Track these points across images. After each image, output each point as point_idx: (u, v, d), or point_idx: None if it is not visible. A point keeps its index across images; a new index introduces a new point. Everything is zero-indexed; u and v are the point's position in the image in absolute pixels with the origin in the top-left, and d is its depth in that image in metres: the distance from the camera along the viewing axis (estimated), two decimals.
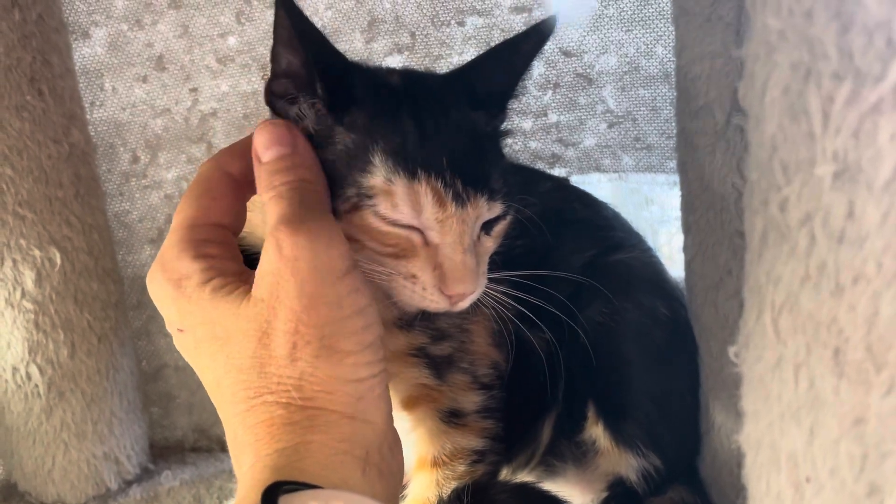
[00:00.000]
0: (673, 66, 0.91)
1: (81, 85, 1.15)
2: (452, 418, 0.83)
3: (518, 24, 1.10)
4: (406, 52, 1.13)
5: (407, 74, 0.78)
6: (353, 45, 1.13)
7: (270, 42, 0.68)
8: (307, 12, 1.09)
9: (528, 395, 0.90)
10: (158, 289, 0.66)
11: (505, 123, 0.78)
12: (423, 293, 0.70)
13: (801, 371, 0.50)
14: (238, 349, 0.62)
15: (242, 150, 0.72)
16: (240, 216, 0.70)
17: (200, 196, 0.68)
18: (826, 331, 0.47)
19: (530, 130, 1.17)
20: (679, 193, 0.91)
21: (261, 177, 0.67)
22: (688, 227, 0.90)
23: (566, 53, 1.12)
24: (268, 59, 0.70)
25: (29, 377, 1.07)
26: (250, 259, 0.69)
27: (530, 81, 1.13)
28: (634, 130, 1.15)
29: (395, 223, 0.68)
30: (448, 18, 1.12)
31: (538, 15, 1.09)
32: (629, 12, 1.08)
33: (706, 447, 0.93)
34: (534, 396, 0.92)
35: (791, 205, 0.49)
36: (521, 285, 0.77)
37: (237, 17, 1.12)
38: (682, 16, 0.84)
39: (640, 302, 0.91)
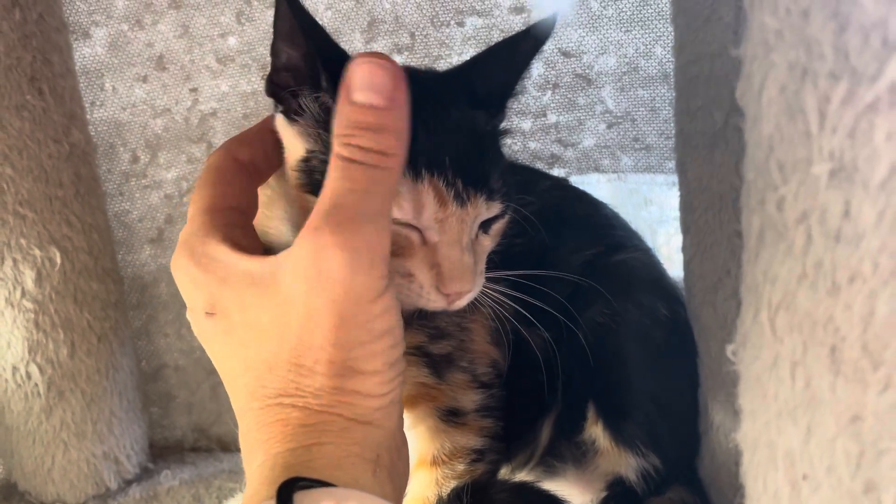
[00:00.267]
0: (672, 66, 0.91)
1: (82, 85, 1.15)
2: (452, 417, 0.83)
3: (517, 24, 1.10)
4: (406, 53, 1.14)
5: (407, 72, 0.77)
6: (352, 46, 1.13)
7: (270, 42, 0.68)
8: None
9: (526, 395, 0.90)
10: (185, 274, 0.63)
11: (504, 123, 0.78)
12: (420, 292, 0.70)
13: (797, 369, 0.50)
14: (268, 342, 0.61)
15: (251, 139, 0.72)
16: (253, 202, 0.70)
17: (215, 183, 0.67)
18: (822, 329, 0.47)
19: (529, 131, 1.17)
20: (678, 194, 0.91)
21: (342, 115, 0.59)
22: (686, 228, 0.90)
23: (565, 54, 1.12)
24: (268, 59, 0.69)
25: (29, 376, 1.08)
26: None
27: (529, 82, 1.13)
28: (633, 131, 1.15)
29: (394, 221, 0.67)
30: (448, 19, 1.12)
31: (537, 16, 1.09)
32: (628, 13, 1.08)
33: (705, 447, 0.93)
34: (532, 396, 0.92)
35: (788, 204, 0.49)
36: (520, 285, 0.77)
37: (237, 18, 1.13)
38: (680, 16, 0.84)
39: (641, 302, 0.91)
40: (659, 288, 0.94)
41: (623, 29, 1.09)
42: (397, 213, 0.67)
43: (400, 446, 0.66)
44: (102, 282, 1.12)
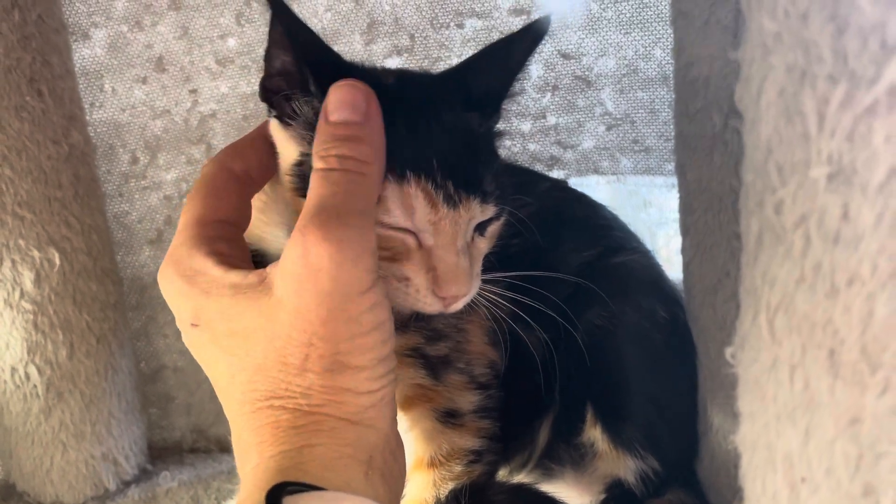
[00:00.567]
0: (671, 68, 0.91)
1: (81, 86, 1.15)
2: (449, 418, 0.83)
3: (517, 26, 1.10)
4: (405, 55, 1.14)
5: (401, 75, 0.77)
6: (352, 47, 1.13)
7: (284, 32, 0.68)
8: (306, 14, 1.11)
9: (524, 396, 0.90)
10: (171, 285, 0.65)
11: (501, 124, 0.78)
12: (416, 295, 0.69)
13: (796, 372, 0.50)
14: (255, 348, 0.61)
15: (244, 149, 0.72)
16: (245, 213, 0.70)
17: (206, 195, 0.68)
18: (821, 332, 0.48)
19: (529, 132, 1.17)
20: (677, 195, 0.91)
21: (321, 135, 0.64)
22: (686, 230, 0.90)
23: (565, 56, 1.12)
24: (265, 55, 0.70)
25: (27, 377, 1.08)
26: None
27: (529, 84, 1.13)
28: (633, 133, 1.15)
29: (388, 226, 0.67)
30: (447, 21, 1.12)
31: (537, 17, 1.09)
32: (628, 15, 1.08)
33: (704, 449, 0.93)
34: (530, 397, 0.92)
35: (786, 206, 0.49)
36: (517, 286, 0.77)
37: (237, 19, 1.13)
38: (680, 19, 0.84)
39: (639, 304, 0.91)
40: (658, 290, 0.94)
41: (623, 31, 1.09)
42: (387, 217, 0.67)
43: (394, 448, 0.66)
44: (101, 283, 1.12)
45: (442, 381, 0.82)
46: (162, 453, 1.28)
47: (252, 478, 0.60)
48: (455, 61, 1.13)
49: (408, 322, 0.79)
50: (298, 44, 0.67)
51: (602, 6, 1.08)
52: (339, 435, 0.61)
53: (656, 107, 1.12)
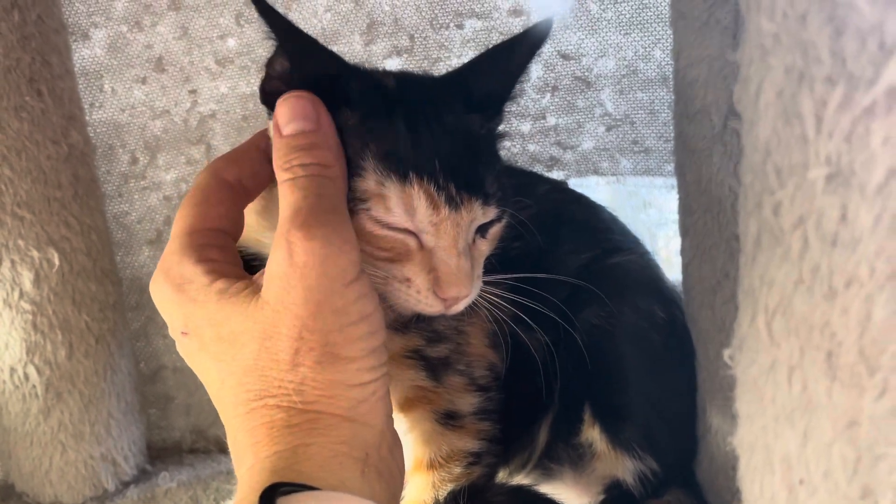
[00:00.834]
0: (671, 69, 0.91)
1: (81, 86, 1.15)
2: (449, 420, 0.83)
3: (516, 27, 1.10)
4: (405, 55, 1.14)
5: (402, 77, 0.77)
6: (352, 48, 1.13)
7: (269, 44, 0.68)
8: (306, 14, 1.11)
9: (524, 397, 0.90)
10: (161, 294, 0.66)
11: (503, 125, 0.78)
12: (417, 296, 0.70)
13: (794, 374, 0.50)
14: (242, 351, 0.62)
15: (237, 157, 0.72)
16: (238, 222, 0.71)
17: (199, 203, 0.68)
18: (819, 334, 0.47)
19: (529, 133, 1.17)
20: (677, 196, 0.91)
21: (279, 151, 0.66)
22: (685, 231, 0.90)
23: (564, 56, 1.12)
24: (267, 58, 0.70)
25: (27, 378, 1.08)
26: (248, 264, 0.70)
27: (529, 84, 1.13)
28: (632, 133, 1.15)
29: (389, 226, 0.67)
30: (447, 21, 1.12)
31: (536, 18, 1.09)
32: (627, 16, 1.08)
33: (703, 450, 0.93)
34: (530, 399, 0.91)
35: (784, 208, 0.49)
36: (517, 288, 0.77)
37: (236, 20, 1.13)
38: (679, 19, 0.84)
39: (637, 305, 0.91)
40: (656, 290, 0.94)
41: (622, 32, 1.09)
42: (389, 217, 0.67)
43: (391, 446, 0.66)
44: (101, 283, 1.12)
45: (442, 382, 0.82)
46: (161, 454, 1.28)
47: (248, 479, 0.60)
48: (454, 62, 1.13)
49: (408, 323, 0.79)
50: (291, 47, 0.68)
51: (602, 7, 1.08)
52: (334, 433, 0.61)
53: (656, 108, 1.12)
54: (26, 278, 1.04)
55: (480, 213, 0.70)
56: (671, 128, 0.93)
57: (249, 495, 0.57)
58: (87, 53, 1.16)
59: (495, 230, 0.74)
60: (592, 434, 0.91)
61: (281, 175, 0.64)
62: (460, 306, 0.71)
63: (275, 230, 0.74)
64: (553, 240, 0.90)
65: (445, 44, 1.13)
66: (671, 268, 1.00)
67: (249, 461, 0.61)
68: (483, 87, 0.74)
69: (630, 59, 1.10)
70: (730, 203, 0.77)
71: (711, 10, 0.77)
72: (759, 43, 0.49)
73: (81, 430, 1.12)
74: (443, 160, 0.67)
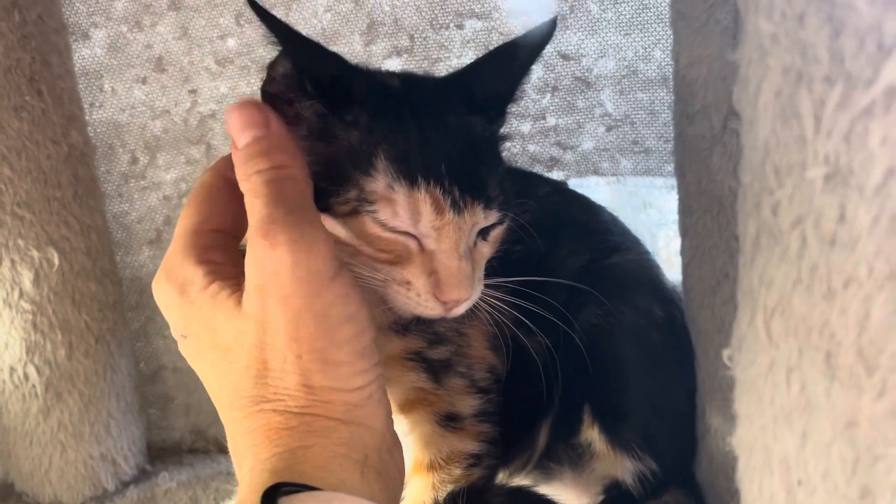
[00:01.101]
0: (671, 70, 0.91)
1: (81, 86, 1.15)
2: (449, 422, 0.82)
3: (516, 27, 1.10)
4: (405, 55, 1.14)
5: (406, 78, 0.77)
6: (351, 48, 1.13)
7: (269, 44, 0.68)
8: (306, 15, 1.11)
9: (525, 400, 0.90)
10: (163, 295, 0.66)
11: (504, 127, 0.78)
12: (417, 299, 0.69)
13: (793, 374, 0.50)
14: (237, 358, 0.62)
15: None
16: (241, 223, 0.70)
17: (202, 203, 0.68)
18: (818, 334, 0.47)
19: (529, 133, 1.17)
20: (677, 197, 0.91)
21: (237, 165, 0.65)
22: (685, 231, 0.90)
23: (565, 57, 1.12)
24: (267, 60, 0.70)
25: (26, 377, 1.08)
26: None
27: (529, 85, 1.13)
28: (632, 134, 1.15)
29: (392, 229, 0.67)
30: (447, 21, 1.12)
31: (536, 18, 1.09)
32: (627, 16, 1.08)
33: (702, 451, 0.93)
34: (531, 401, 0.91)
35: (783, 208, 0.49)
36: (518, 291, 0.77)
37: (236, 20, 1.13)
38: (679, 20, 0.84)
39: (636, 304, 0.91)
40: (655, 290, 0.94)
41: (622, 32, 1.09)
42: (394, 221, 0.67)
43: (391, 447, 0.66)
44: (100, 283, 1.12)
45: (443, 384, 0.82)
46: (161, 454, 1.28)
47: (248, 480, 0.60)
48: (454, 62, 1.13)
49: (409, 325, 0.79)
50: (295, 50, 0.67)
51: (602, 7, 1.08)
52: (332, 435, 0.61)
53: (656, 108, 1.12)
54: (26, 278, 1.04)
55: (482, 216, 0.70)
56: (671, 128, 0.93)
57: (250, 496, 0.57)
58: (87, 53, 1.16)
59: (497, 233, 0.74)
60: (592, 434, 0.91)
61: (242, 186, 0.64)
62: (461, 309, 0.71)
63: None
64: (553, 242, 0.90)
65: (445, 44, 1.13)
66: (671, 268, 1.00)
67: (249, 463, 0.61)
68: (485, 88, 0.74)
69: (630, 59, 1.10)
70: (729, 203, 0.77)
71: (711, 10, 0.77)
72: (757, 43, 0.49)
73: (81, 429, 1.12)
74: (448, 163, 0.67)
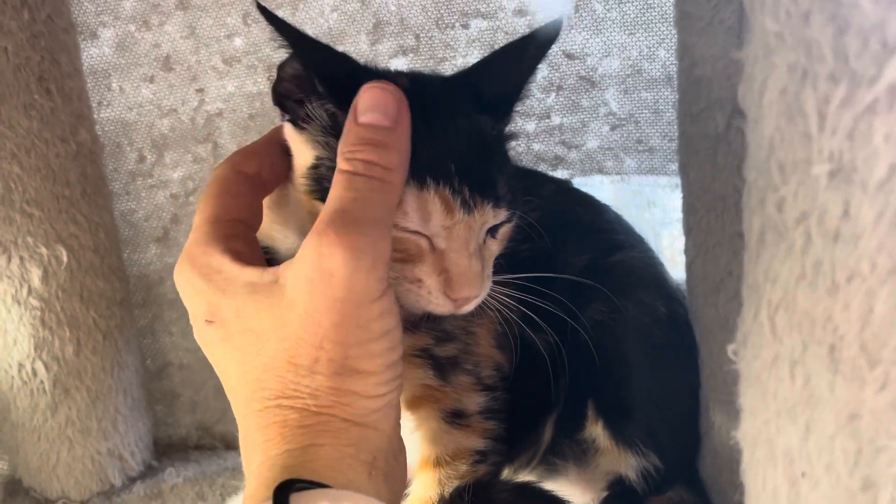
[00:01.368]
0: (675, 69, 0.92)
1: (89, 85, 1.16)
2: (455, 419, 0.83)
3: (521, 26, 1.11)
4: (411, 55, 1.14)
5: (414, 77, 0.77)
6: (358, 47, 1.14)
7: (277, 44, 0.68)
8: (313, 14, 1.12)
9: (531, 397, 0.91)
10: (187, 282, 0.65)
11: (510, 126, 0.78)
12: (428, 297, 0.70)
13: (797, 368, 0.51)
14: (265, 347, 0.62)
15: (256, 151, 0.73)
16: (257, 214, 0.71)
17: (219, 194, 0.69)
18: (822, 328, 0.48)
19: (533, 132, 1.17)
20: (681, 195, 0.92)
21: (348, 136, 0.64)
22: (689, 229, 0.90)
23: (569, 56, 1.12)
24: (274, 60, 0.70)
25: (35, 373, 1.08)
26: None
27: (533, 84, 1.13)
28: (637, 133, 1.15)
29: (403, 229, 0.68)
30: (452, 21, 1.12)
31: (541, 18, 1.09)
32: (632, 16, 1.09)
33: (706, 447, 0.93)
34: (537, 397, 0.92)
35: (788, 204, 0.49)
36: (525, 288, 0.78)
37: (244, 19, 1.13)
38: (684, 19, 0.85)
39: (640, 301, 0.91)
40: (659, 287, 0.94)
41: (627, 32, 1.10)
42: (404, 222, 0.67)
43: (397, 452, 0.67)
44: (108, 280, 1.13)
45: (449, 381, 0.82)
46: (167, 450, 1.29)
47: (258, 475, 0.61)
48: (460, 61, 1.13)
49: (418, 323, 0.79)
50: (303, 50, 0.68)
51: (606, 7, 1.09)
52: (344, 436, 0.62)
53: (660, 107, 1.12)
54: (35, 275, 1.05)
55: (492, 215, 0.70)
56: (675, 127, 0.94)
57: (259, 490, 0.58)
58: (95, 52, 1.16)
59: (505, 230, 0.75)
60: (596, 430, 0.92)
61: (342, 163, 0.63)
62: (470, 306, 0.72)
63: (286, 225, 0.74)
64: (558, 240, 0.90)
65: (451, 43, 1.13)
66: (675, 267, 1.00)
67: (260, 458, 0.62)
68: (493, 87, 0.74)
69: (634, 58, 1.11)
70: (733, 202, 0.77)
71: (716, 9, 0.77)
72: (763, 41, 0.50)
73: (88, 425, 1.13)
74: (457, 163, 0.68)
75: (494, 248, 0.74)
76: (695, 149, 0.84)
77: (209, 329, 0.65)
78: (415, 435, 0.84)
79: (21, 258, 1.04)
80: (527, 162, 1.18)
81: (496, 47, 0.83)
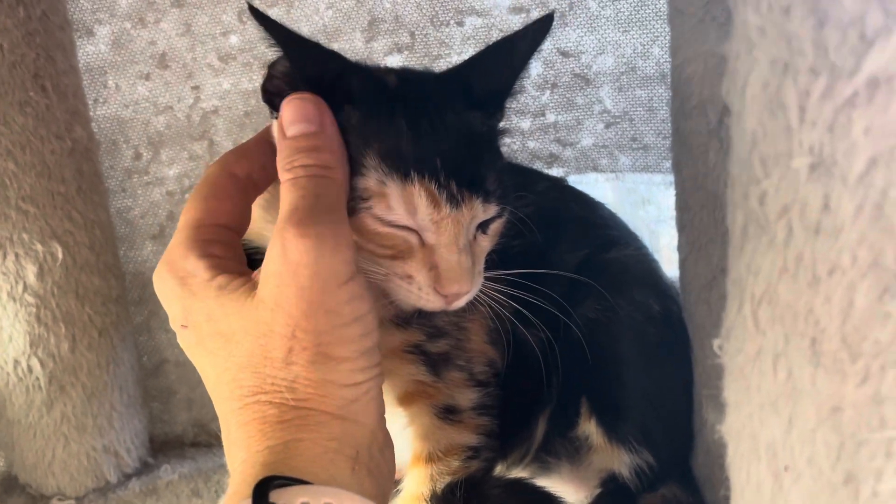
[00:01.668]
0: (669, 66, 0.92)
1: (85, 82, 1.16)
2: (448, 415, 0.83)
3: (516, 24, 1.11)
4: (406, 52, 1.14)
5: (403, 74, 0.78)
6: (353, 45, 1.14)
7: (271, 42, 0.69)
8: (308, 12, 1.12)
9: (523, 393, 0.91)
10: (164, 286, 0.67)
11: (503, 122, 0.78)
12: (419, 293, 0.70)
13: (779, 361, 0.51)
14: (238, 347, 0.63)
15: (247, 151, 0.73)
16: (244, 217, 0.71)
17: (206, 198, 0.69)
18: (803, 321, 0.48)
19: (528, 130, 1.18)
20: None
21: (282, 151, 0.66)
22: (682, 226, 0.90)
23: (564, 54, 1.12)
24: (269, 57, 0.71)
25: (30, 370, 1.09)
26: (251, 258, 0.70)
27: (528, 81, 1.14)
28: (631, 130, 1.15)
29: (391, 224, 0.68)
30: (447, 18, 1.13)
31: (536, 15, 1.09)
32: (626, 13, 1.09)
33: (699, 445, 0.93)
34: (529, 393, 0.92)
35: (770, 198, 0.49)
36: (518, 284, 0.78)
37: (239, 16, 1.14)
38: (676, 16, 0.85)
39: (634, 298, 0.91)
40: (652, 285, 0.94)
41: (621, 29, 1.10)
42: (389, 215, 0.68)
43: (382, 445, 0.67)
44: (104, 277, 1.13)
45: (442, 377, 0.82)
46: (163, 447, 1.29)
47: (240, 472, 0.61)
48: (455, 59, 1.14)
49: (409, 319, 0.80)
50: (291, 47, 0.68)
51: (601, 4, 1.09)
52: (325, 430, 0.62)
53: (654, 105, 1.13)
54: (30, 271, 1.05)
55: (481, 210, 0.70)
56: (669, 125, 0.94)
57: (242, 487, 0.58)
58: (91, 50, 1.17)
59: (496, 226, 0.75)
60: (589, 427, 0.92)
61: (283, 175, 0.65)
62: (461, 302, 0.72)
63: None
64: (552, 237, 0.90)
65: (446, 41, 1.14)
66: (673, 265, 1.00)
67: (242, 455, 0.62)
68: (484, 83, 0.74)
69: (629, 56, 1.11)
70: (725, 199, 0.77)
71: (707, 6, 0.77)
72: (745, 36, 0.50)
73: (84, 422, 1.13)
74: (444, 158, 0.68)
75: (485, 243, 0.75)
76: (687, 146, 0.84)
77: (185, 333, 0.67)
78: (407, 431, 0.84)
79: (16, 255, 1.05)
80: (522, 160, 1.19)
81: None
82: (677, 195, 0.91)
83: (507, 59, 0.75)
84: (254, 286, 0.63)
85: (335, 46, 0.71)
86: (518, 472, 0.96)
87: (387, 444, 0.68)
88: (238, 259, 0.68)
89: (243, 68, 1.17)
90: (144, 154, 1.22)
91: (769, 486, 0.54)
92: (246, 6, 0.99)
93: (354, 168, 0.68)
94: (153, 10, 1.14)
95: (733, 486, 0.60)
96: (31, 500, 1.17)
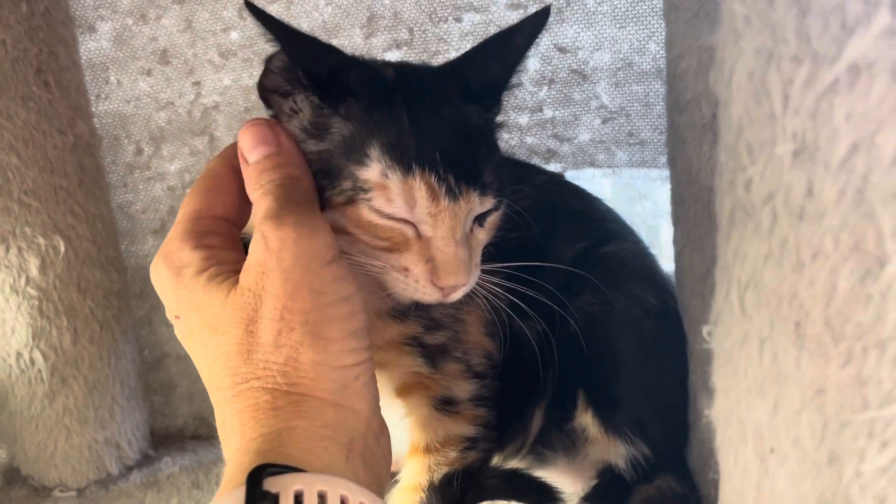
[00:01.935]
0: (665, 62, 0.92)
1: (87, 78, 1.17)
2: (445, 406, 0.84)
3: (514, 20, 1.10)
4: (404, 48, 1.15)
5: (401, 67, 0.78)
6: (352, 41, 1.15)
7: (269, 42, 0.69)
8: (307, 8, 1.13)
9: (520, 385, 0.91)
10: (160, 277, 0.67)
11: (500, 117, 0.79)
12: (415, 285, 0.71)
13: (765, 345, 0.51)
14: (226, 336, 0.63)
15: None
16: (244, 210, 0.72)
17: (207, 190, 0.70)
18: (788, 305, 0.49)
19: (526, 126, 1.18)
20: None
21: (249, 177, 0.68)
22: (677, 219, 0.91)
23: (561, 50, 1.13)
24: (269, 53, 0.71)
25: (32, 362, 1.10)
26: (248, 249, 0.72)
27: (526, 77, 1.14)
28: (628, 126, 1.16)
29: (389, 216, 0.68)
30: (445, 15, 1.13)
31: (534, 11, 1.10)
32: (623, 9, 1.10)
33: (694, 437, 0.94)
34: (526, 385, 0.93)
35: (755, 184, 0.50)
36: (515, 277, 0.78)
37: (239, 13, 1.15)
38: (671, 11, 0.85)
39: (631, 292, 0.92)
40: (649, 279, 0.95)
41: (618, 25, 1.10)
42: (389, 208, 0.68)
43: (377, 434, 0.67)
44: (105, 271, 1.14)
45: (439, 369, 0.83)
46: (164, 440, 1.30)
47: (235, 460, 0.61)
48: (453, 55, 1.13)
49: (407, 311, 0.80)
50: (288, 42, 0.69)
51: (597, 1, 1.10)
52: (318, 416, 0.62)
53: (651, 100, 1.13)
54: (32, 265, 1.06)
55: (478, 203, 0.71)
56: (665, 120, 0.95)
57: (236, 476, 0.58)
58: (93, 46, 1.18)
59: (493, 219, 0.75)
60: (585, 419, 0.92)
61: (253, 195, 0.67)
62: (458, 294, 0.72)
63: None
64: (549, 230, 0.91)
65: (444, 37, 1.14)
66: (671, 260, 1.01)
67: (236, 443, 0.62)
68: (481, 77, 0.75)
69: (625, 52, 1.12)
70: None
71: (701, 1, 0.78)
72: (732, 26, 0.51)
73: (86, 414, 1.14)
74: (442, 151, 0.68)
75: (482, 236, 0.75)
76: (682, 140, 0.85)
77: (178, 323, 0.68)
78: (405, 422, 0.84)
79: (19, 248, 1.05)
80: (520, 155, 1.19)
81: None
82: (672, 189, 0.91)
83: (503, 52, 0.76)
84: (238, 279, 0.64)
85: (334, 43, 0.72)
86: (514, 464, 0.97)
87: (382, 432, 0.68)
88: (235, 250, 0.69)
89: (244, 64, 1.18)
90: (146, 149, 1.23)
91: (756, 469, 0.54)
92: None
93: (357, 158, 0.68)
94: (154, 7, 1.15)
95: (722, 471, 0.61)
96: (33, 491, 1.17)
